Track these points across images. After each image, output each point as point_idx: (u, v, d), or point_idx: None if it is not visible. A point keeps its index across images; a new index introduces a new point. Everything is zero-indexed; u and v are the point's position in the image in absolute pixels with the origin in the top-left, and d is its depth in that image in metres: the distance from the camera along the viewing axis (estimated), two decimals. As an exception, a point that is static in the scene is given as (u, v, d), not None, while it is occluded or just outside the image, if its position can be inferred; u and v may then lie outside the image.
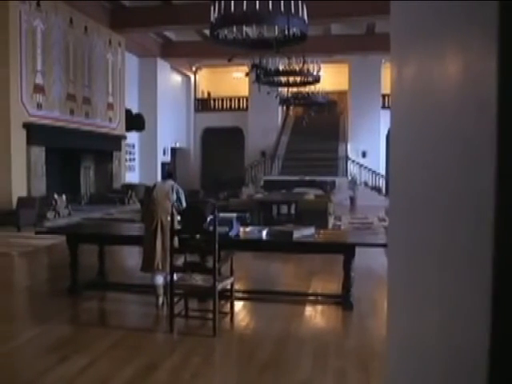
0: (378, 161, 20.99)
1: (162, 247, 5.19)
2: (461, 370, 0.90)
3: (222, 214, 5.47)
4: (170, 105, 21.09)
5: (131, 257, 8.66)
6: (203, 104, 24.25)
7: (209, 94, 24.90)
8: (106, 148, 16.41)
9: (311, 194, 12.95)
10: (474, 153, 0.72)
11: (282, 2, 7.39)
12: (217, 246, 4.47)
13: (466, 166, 0.77)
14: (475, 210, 0.71)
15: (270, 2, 7.27)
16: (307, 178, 16.81)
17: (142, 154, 20.03)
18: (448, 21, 1.05)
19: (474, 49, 0.72)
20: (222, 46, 8.46)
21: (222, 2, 7.49)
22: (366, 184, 19.87)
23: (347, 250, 5.26)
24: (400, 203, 2.19)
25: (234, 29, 7.91)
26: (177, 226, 4.87)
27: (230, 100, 23.73)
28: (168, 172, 5.69)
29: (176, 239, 4.76)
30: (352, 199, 18.30)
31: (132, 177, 18.98)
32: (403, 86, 2.02)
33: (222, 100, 23.97)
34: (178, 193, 5.37)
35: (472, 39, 0.73)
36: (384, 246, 5.60)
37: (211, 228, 4.57)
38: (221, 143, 23.59)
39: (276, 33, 8.10)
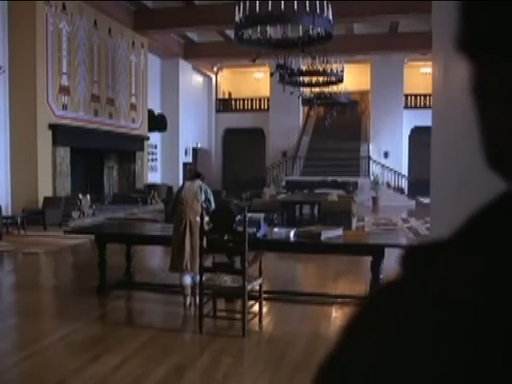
0: (401, 161, 20.81)
1: (190, 247, 5.20)
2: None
3: (249, 215, 5.45)
4: (191, 105, 21.17)
5: (155, 256, 8.72)
6: (224, 104, 24.27)
7: (230, 94, 24.93)
8: (128, 148, 16.56)
9: (334, 194, 12.89)
10: None
11: (308, 2, 7.37)
12: (246, 246, 4.46)
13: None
14: None
15: (296, 2, 7.25)
16: (329, 178, 16.74)
17: (164, 154, 20.15)
18: None
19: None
20: (247, 46, 8.45)
21: (247, 2, 7.49)
22: (388, 184, 19.72)
23: (376, 252, 5.21)
24: (443, 204, 2.13)
25: (259, 29, 7.90)
26: (205, 227, 4.87)
27: (251, 100, 23.71)
28: (196, 172, 5.68)
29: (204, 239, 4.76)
30: (374, 200, 18.20)
31: (154, 177, 19.12)
32: (449, 84, 1.97)
33: (243, 100, 23.96)
34: (206, 193, 5.37)
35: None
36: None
37: (239, 228, 4.57)
38: (242, 144, 23.60)
39: (300, 33, 8.07)
